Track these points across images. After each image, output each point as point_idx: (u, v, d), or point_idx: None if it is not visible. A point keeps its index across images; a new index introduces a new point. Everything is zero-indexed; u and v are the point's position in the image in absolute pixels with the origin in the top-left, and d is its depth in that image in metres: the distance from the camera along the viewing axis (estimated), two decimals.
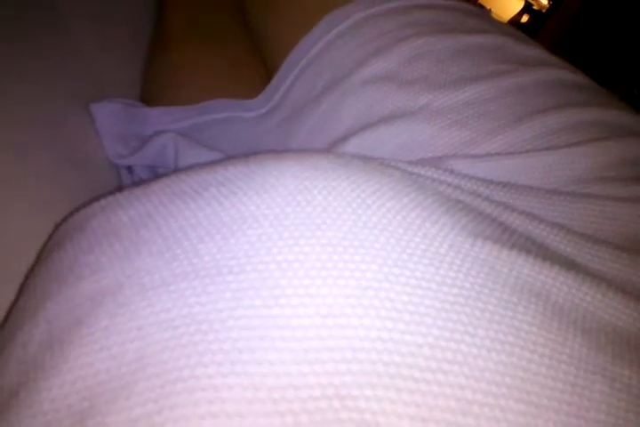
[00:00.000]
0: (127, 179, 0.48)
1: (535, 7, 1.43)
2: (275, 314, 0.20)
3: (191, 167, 0.28)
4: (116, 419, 0.17)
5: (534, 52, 0.41)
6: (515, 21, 1.43)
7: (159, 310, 0.20)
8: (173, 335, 0.19)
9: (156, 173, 0.48)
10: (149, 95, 0.52)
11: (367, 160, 0.28)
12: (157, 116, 0.48)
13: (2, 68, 0.38)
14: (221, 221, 0.23)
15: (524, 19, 1.44)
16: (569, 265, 0.26)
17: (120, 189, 0.29)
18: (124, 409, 0.18)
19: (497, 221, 0.27)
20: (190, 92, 0.50)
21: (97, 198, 0.28)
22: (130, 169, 0.48)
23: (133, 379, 0.18)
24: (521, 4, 1.44)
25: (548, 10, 1.41)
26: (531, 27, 1.40)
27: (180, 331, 0.19)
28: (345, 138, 0.39)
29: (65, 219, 0.29)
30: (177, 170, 0.28)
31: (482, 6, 1.35)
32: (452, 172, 0.31)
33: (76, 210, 0.29)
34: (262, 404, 0.18)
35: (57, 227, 0.30)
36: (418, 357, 0.19)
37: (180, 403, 0.17)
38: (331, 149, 0.39)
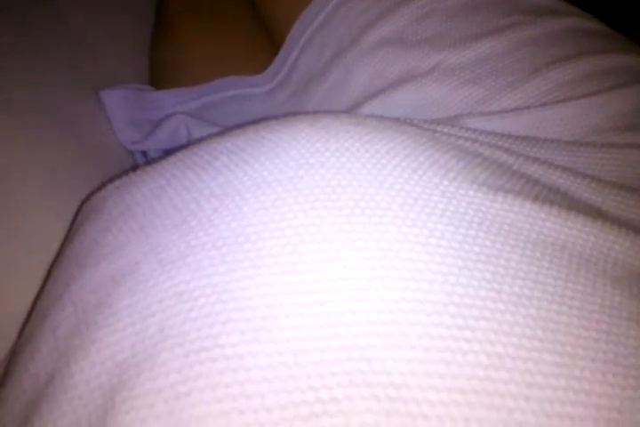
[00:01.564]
0: (143, 164, 0.48)
1: None
2: (294, 280, 0.19)
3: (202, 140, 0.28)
4: (141, 391, 0.17)
5: (544, 0, 0.40)
6: None
7: (178, 281, 0.20)
8: (194, 306, 0.19)
9: None
10: (157, 80, 0.52)
11: (381, 119, 0.28)
12: (167, 99, 0.48)
13: (2, 65, 0.38)
14: (234, 190, 0.23)
15: None
16: (595, 214, 0.25)
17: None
18: (148, 380, 0.18)
19: (518, 173, 0.26)
20: (197, 73, 0.49)
21: (111, 180, 0.28)
22: (145, 154, 0.48)
23: (156, 350, 0.18)
24: None
25: None
26: None
27: (201, 301, 0.19)
28: (356, 106, 0.38)
29: (83, 203, 0.30)
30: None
31: None
32: (468, 128, 0.30)
33: (93, 193, 0.29)
34: (288, 368, 0.17)
35: (77, 212, 0.30)
36: (444, 315, 0.19)
37: (205, 372, 0.17)
38: None
